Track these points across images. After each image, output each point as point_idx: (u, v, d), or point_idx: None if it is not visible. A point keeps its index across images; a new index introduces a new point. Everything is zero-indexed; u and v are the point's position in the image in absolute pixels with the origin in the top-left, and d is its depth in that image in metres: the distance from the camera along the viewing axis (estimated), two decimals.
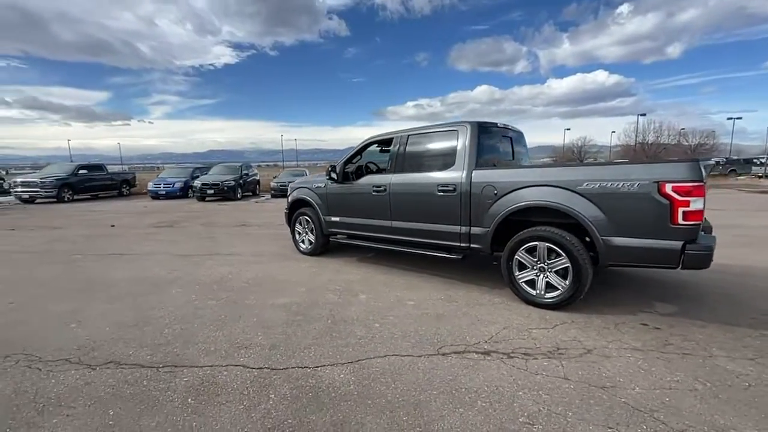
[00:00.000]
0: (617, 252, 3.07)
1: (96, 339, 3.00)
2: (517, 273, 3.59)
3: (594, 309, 3.41)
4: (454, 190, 3.94)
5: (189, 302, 3.80)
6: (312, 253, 5.74)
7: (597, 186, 3.11)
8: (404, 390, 2.26)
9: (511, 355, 2.65)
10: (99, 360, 2.67)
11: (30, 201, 16.05)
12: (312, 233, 5.70)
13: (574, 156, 53.46)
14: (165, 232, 8.35)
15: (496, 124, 4.43)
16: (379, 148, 5.35)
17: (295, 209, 5.96)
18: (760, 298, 3.64)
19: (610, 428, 1.89)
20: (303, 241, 5.89)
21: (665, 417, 1.96)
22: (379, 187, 4.63)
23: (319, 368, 2.52)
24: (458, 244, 4.02)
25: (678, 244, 2.82)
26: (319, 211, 5.50)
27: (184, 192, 17.71)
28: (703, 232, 3.27)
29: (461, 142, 4.01)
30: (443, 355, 2.68)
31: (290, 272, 4.86)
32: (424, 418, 2.00)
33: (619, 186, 3.00)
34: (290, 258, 5.64)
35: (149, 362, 2.63)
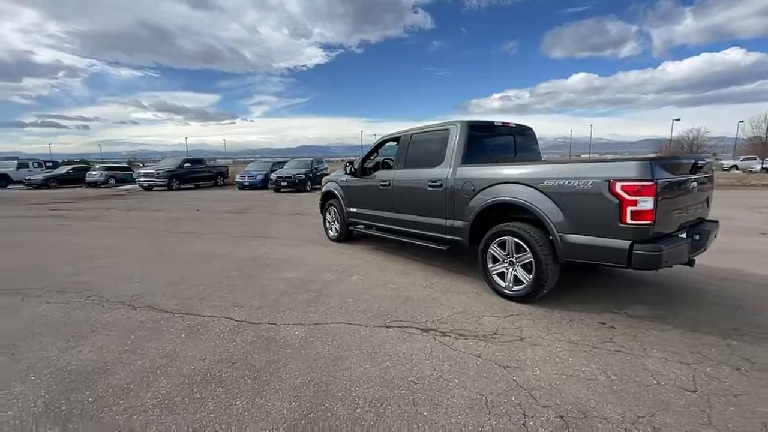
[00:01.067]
0: (573, 249, 3.12)
1: (145, 291, 4.03)
2: (490, 265, 3.78)
3: (563, 305, 3.46)
4: (441, 185, 4.22)
5: (220, 272, 4.73)
6: (337, 240, 6.41)
7: (556, 184, 3.18)
8: (335, 348, 2.75)
9: (447, 333, 2.96)
10: (140, 304, 3.65)
11: (148, 188, 19.66)
12: (337, 222, 6.37)
13: (683, 150, 46.31)
14: (234, 217, 9.81)
15: (493, 122, 4.56)
16: (394, 145, 5.77)
17: (326, 200, 6.69)
18: (756, 311, 3.28)
19: (480, 395, 2.16)
20: (331, 229, 6.61)
21: (541, 395, 2.15)
22: (385, 181, 5.09)
23: (283, 326, 3.14)
24: (444, 236, 4.30)
25: (626, 243, 2.81)
26: (342, 202, 6.14)
27: (264, 183, 19.90)
28: (684, 233, 3.14)
29: (451, 141, 4.27)
30: (387, 327, 3.09)
31: (310, 254, 5.59)
32: (334, 367, 2.48)
33: (575, 184, 3.05)
34: (318, 243, 6.39)
35: (171, 309, 3.52)
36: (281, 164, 21.39)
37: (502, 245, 3.64)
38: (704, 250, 3.66)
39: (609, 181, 2.84)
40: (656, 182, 2.71)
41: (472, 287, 4.02)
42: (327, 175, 20.65)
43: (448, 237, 4.25)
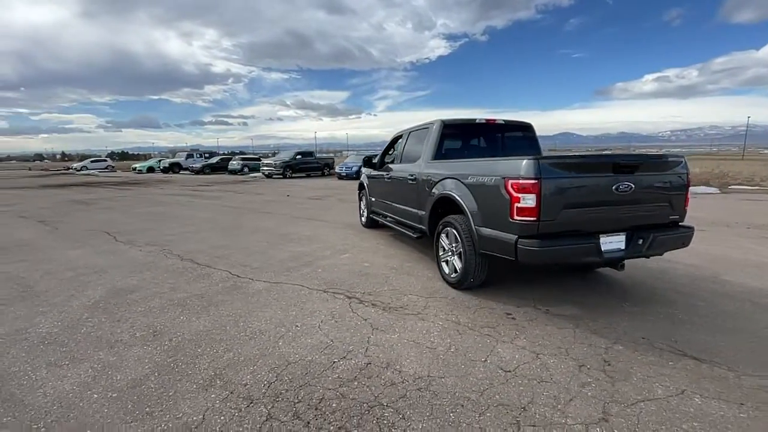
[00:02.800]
0: (485, 242, 3.32)
1: (196, 250, 5.57)
2: (440, 253, 4.13)
3: (494, 295, 3.64)
4: (415, 179, 4.67)
5: (256, 242, 6.07)
6: (366, 226, 7.24)
7: (475, 180, 3.41)
8: (271, 298, 3.63)
9: (363, 302, 3.54)
10: (186, 258, 5.14)
11: (269, 176, 23.50)
12: (366, 210, 7.19)
13: None
14: (310, 202, 11.47)
15: (473, 120, 4.72)
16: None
17: (360, 191, 7.56)
18: (705, 327, 2.91)
19: (331, 341, 2.77)
20: (362, 216, 7.46)
21: (374, 350, 2.65)
22: (388, 174, 5.69)
23: (256, 281, 4.16)
24: (416, 224, 4.74)
25: (513, 237, 2.94)
26: (367, 192, 6.92)
27: (358, 174, 21.82)
28: (622, 236, 3.07)
29: (427, 138, 4.65)
30: (324, 291, 3.82)
31: (332, 235, 6.55)
32: (257, 309, 3.36)
33: (486, 181, 3.25)
34: (350, 227, 7.31)
35: (200, 262, 4.90)
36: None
37: (447, 236, 3.97)
38: (657, 255, 3.40)
39: (504, 178, 3.01)
40: (540, 180, 2.79)
41: (430, 272, 4.40)
42: None
43: (418, 226, 4.69)
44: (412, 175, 4.74)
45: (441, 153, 4.55)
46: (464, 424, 1.91)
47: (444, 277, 4.03)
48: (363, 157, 6.81)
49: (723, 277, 4.20)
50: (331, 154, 38.45)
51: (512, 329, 2.96)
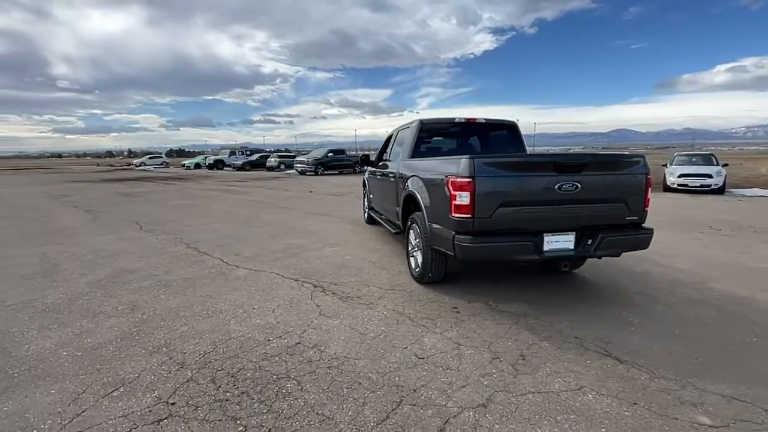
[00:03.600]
0: (433, 237, 3.45)
1: (204, 240, 6.11)
2: (409, 248, 4.29)
3: (451, 291, 3.75)
4: (395, 177, 4.84)
5: (259, 234, 6.52)
6: (366, 222, 7.48)
7: (429, 178, 3.53)
8: (245, 283, 3.98)
9: (326, 290, 3.80)
10: (193, 246, 5.67)
11: (302, 173, 24.42)
12: (366, 207, 7.44)
13: None
14: (328, 198, 11.90)
15: (452, 120, 4.79)
16: None
17: (363, 188, 7.82)
18: (650, 331, 2.83)
19: (276, 321, 3.05)
20: (364, 212, 7.72)
21: (307, 333, 2.90)
22: (379, 172, 5.89)
23: (241, 268, 4.55)
24: (396, 221, 4.91)
25: (452, 233, 3.05)
26: (367, 189, 7.16)
27: None
28: (571, 235, 3.09)
29: (407, 137, 4.80)
30: (296, 280, 4.13)
31: (331, 230, 6.86)
32: (229, 292, 3.73)
33: (436, 178, 3.37)
34: (353, 223, 7.59)
35: (203, 251, 5.40)
36: None
37: (414, 232, 4.11)
38: (611, 256, 3.35)
39: (447, 176, 3.12)
40: (474, 179, 2.88)
41: (403, 267, 4.56)
42: None
43: (396, 222, 4.86)
44: (392, 173, 4.92)
45: (419, 152, 4.68)
46: (351, 398, 2.10)
47: (410, 271, 4.18)
48: (360, 155, 7.05)
49: (709, 283, 3.98)
50: (369, 152, 39.03)
51: (450, 322, 3.08)
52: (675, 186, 13.16)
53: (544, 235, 3.10)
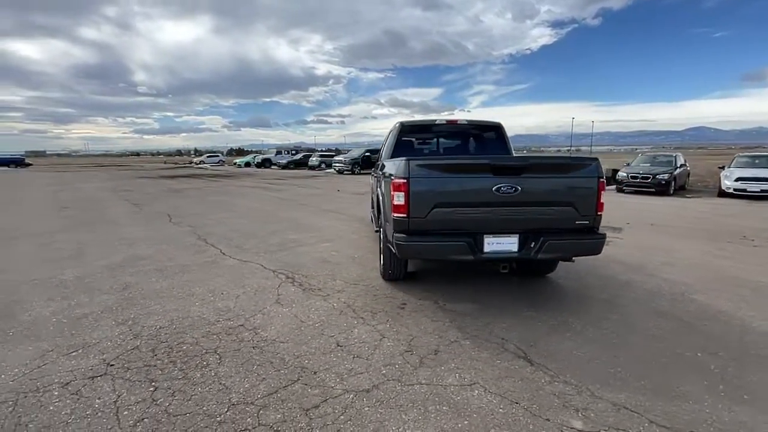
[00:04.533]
0: (386, 236, 3.59)
1: (218, 232, 6.71)
2: (380, 246, 4.46)
3: (406, 288, 3.88)
4: (377, 178, 5.02)
5: (266, 229, 7.02)
6: (371, 220, 7.71)
7: (385, 179, 3.68)
8: (228, 272, 4.39)
9: (295, 282, 4.09)
10: (203, 237, 6.27)
11: (340, 172, 25.18)
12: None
13: None
14: (351, 197, 12.28)
15: (433, 121, 4.86)
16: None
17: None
18: (585, 338, 2.76)
19: (234, 303, 3.40)
20: (371, 211, 7.95)
21: (253, 317, 3.20)
22: (372, 173, 6.09)
23: (230, 258, 4.99)
24: (377, 219, 5.09)
25: (392, 232, 3.19)
26: (372, 190, 7.38)
27: None
28: (515, 237, 3.13)
29: (389, 139, 4.96)
30: (273, 271, 4.46)
31: (334, 227, 7.19)
32: (211, 278, 4.15)
33: (387, 179, 3.52)
34: (360, 221, 7.87)
35: (211, 243, 5.96)
36: None
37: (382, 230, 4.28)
38: (562, 260, 3.28)
39: (390, 177, 3.26)
40: (408, 180, 3.00)
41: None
42: None
43: (380, 221, 5.03)
44: (375, 174, 5.10)
45: (399, 154, 4.81)
46: (255, 374, 2.36)
47: (379, 268, 4.36)
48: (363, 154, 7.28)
49: (692, 296, 3.72)
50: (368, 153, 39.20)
51: (389, 316, 3.23)
52: (731, 191, 11.90)
53: (485, 236, 3.14)
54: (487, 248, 3.15)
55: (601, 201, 3.18)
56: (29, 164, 39.73)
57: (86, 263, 4.77)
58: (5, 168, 34.67)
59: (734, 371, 2.43)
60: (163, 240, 6.05)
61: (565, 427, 1.92)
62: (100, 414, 1.99)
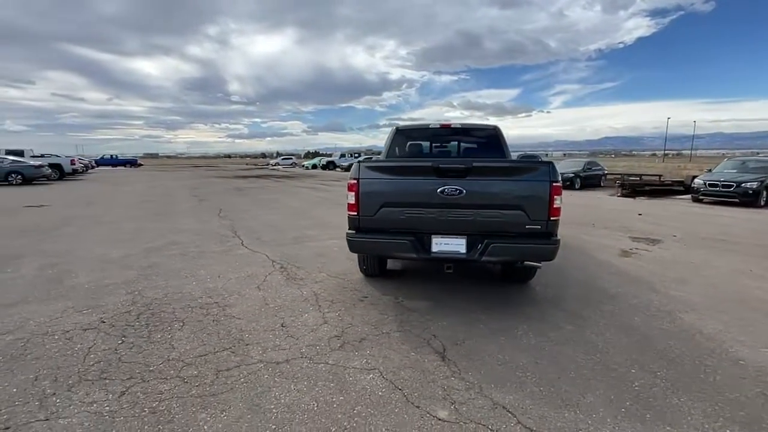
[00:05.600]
0: None
1: (250, 226, 7.52)
2: None
3: (390, 288, 4.09)
4: None
5: (291, 224, 7.67)
6: None
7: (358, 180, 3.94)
8: (235, 260, 5.01)
9: (284, 272, 4.54)
10: (235, 229, 7.09)
11: None
12: None
13: None
14: None
15: (429, 125, 4.96)
16: None
17: None
18: (519, 343, 2.71)
19: (215, 282, 3.94)
20: None
21: (231, 297, 3.69)
22: None
23: (245, 248, 5.64)
24: None
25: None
26: None
27: None
28: (462, 239, 3.24)
29: (386, 143, 5.19)
30: (273, 261, 4.97)
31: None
32: (218, 263, 4.80)
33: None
34: None
35: (237, 234, 6.75)
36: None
37: None
38: (505, 263, 3.27)
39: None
40: (358, 181, 3.24)
41: None
42: (599, 176, 18.65)
43: None
44: None
45: (396, 154, 5.02)
46: (199, 339, 2.82)
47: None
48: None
49: (681, 314, 3.39)
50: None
51: (345, 306, 3.50)
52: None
53: (433, 236, 3.25)
54: (435, 248, 3.26)
55: (555, 206, 3.09)
56: (141, 164, 46.86)
57: (133, 246, 5.77)
58: (122, 167, 41.39)
59: (659, 392, 2.27)
60: (202, 231, 6.99)
61: (428, 415, 2.04)
62: (75, 354, 2.59)
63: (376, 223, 3.31)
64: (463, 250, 3.23)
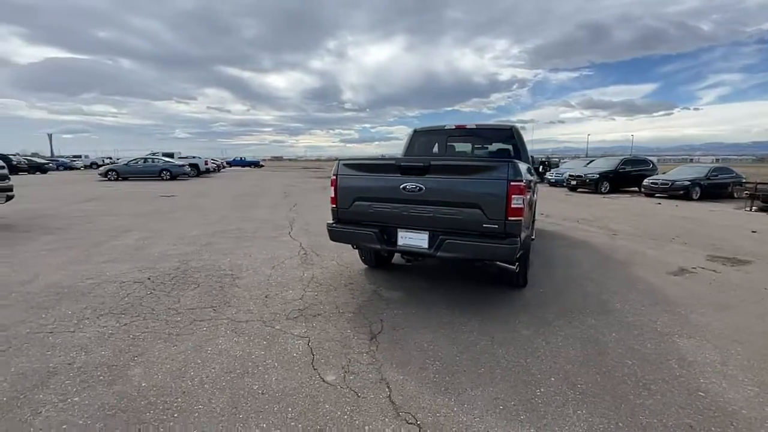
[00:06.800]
0: None
1: (309, 219, 8.47)
2: None
3: (380, 279, 4.42)
4: None
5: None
6: None
7: None
8: (277, 242, 5.85)
9: (306, 255, 5.18)
10: (294, 221, 8.09)
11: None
12: None
13: None
14: None
15: (443, 126, 5.04)
16: None
17: None
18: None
19: (240, 269, 4.74)
20: None
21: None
22: None
23: (288, 235, 6.48)
24: None
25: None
26: None
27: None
28: (407, 230, 3.49)
29: (404, 144, 5.45)
30: (302, 247, 5.66)
31: None
32: (265, 245, 5.69)
33: None
34: None
35: (294, 225, 7.71)
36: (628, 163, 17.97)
37: None
38: (460, 259, 3.26)
39: None
40: (337, 177, 3.64)
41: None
42: (728, 184, 15.57)
43: None
44: None
45: (412, 155, 5.25)
46: (200, 298, 3.55)
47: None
48: None
49: (675, 338, 2.94)
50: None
51: (327, 288, 3.94)
52: None
53: (399, 230, 3.46)
54: (400, 241, 3.46)
55: (514, 206, 3.01)
56: (262, 165, 54.32)
57: (207, 228, 7.11)
58: (247, 168, 48.62)
59: (559, 402, 2.15)
60: (267, 220, 8.16)
61: (317, 377, 2.34)
62: (116, 297, 3.57)
63: (351, 215, 3.66)
64: (425, 244, 3.36)
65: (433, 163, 3.25)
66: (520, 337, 2.92)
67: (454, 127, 5.12)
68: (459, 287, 4.04)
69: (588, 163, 20.19)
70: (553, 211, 10.26)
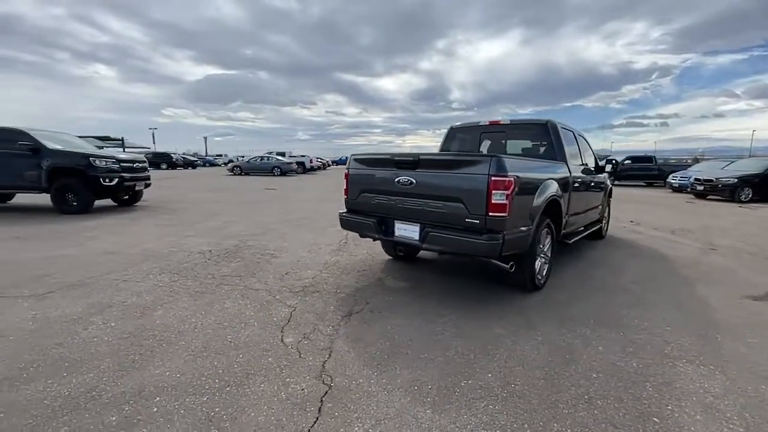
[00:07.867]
0: None
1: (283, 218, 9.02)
2: None
3: (384, 269, 4.66)
4: None
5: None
6: None
7: None
8: (306, 230, 6.49)
9: (340, 244, 5.67)
10: (329, 212, 8.72)
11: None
12: None
13: None
14: None
15: (478, 123, 4.94)
16: None
17: None
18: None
19: (282, 251, 5.43)
20: None
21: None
22: None
23: (317, 223, 7.05)
24: None
25: None
26: None
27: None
28: (403, 222, 3.70)
29: (442, 140, 5.48)
30: (345, 236, 6.17)
31: None
32: (296, 232, 6.39)
33: None
34: None
35: (325, 216, 8.32)
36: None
37: None
38: (444, 253, 3.25)
39: None
40: (349, 170, 3.98)
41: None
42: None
43: None
44: None
45: (448, 150, 5.29)
46: (240, 266, 4.29)
47: None
48: None
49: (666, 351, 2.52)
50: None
51: (342, 273, 4.33)
52: None
53: (396, 221, 3.64)
54: (397, 232, 3.64)
55: (495, 201, 2.94)
56: None
57: (280, 216, 8.16)
58: (341, 166, 52.21)
59: (477, 396, 2.13)
60: (331, 211, 8.91)
61: (279, 336, 2.73)
62: (181, 262, 4.54)
63: (358, 206, 3.98)
64: (417, 236, 3.49)
65: (422, 157, 3.36)
66: (490, 335, 2.86)
67: (488, 124, 4.99)
68: (469, 285, 4.00)
69: (727, 165, 16.46)
70: (653, 219, 8.84)
